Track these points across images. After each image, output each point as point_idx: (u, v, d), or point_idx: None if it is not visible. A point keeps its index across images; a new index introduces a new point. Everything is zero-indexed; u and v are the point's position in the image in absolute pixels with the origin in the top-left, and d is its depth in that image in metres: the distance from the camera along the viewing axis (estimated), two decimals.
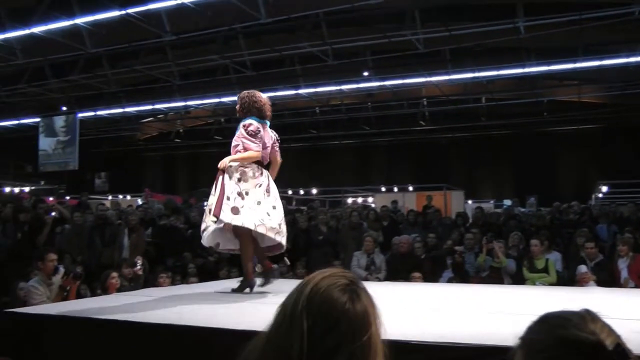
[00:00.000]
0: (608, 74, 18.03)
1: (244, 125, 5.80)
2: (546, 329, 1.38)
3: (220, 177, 5.61)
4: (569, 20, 14.01)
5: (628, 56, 15.82)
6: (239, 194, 5.52)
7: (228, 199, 5.47)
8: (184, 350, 3.73)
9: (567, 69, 17.19)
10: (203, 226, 5.63)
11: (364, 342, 1.47)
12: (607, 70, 17.01)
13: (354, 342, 1.46)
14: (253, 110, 5.90)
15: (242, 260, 5.94)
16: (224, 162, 5.60)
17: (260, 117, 5.92)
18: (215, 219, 5.46)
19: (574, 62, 16.37)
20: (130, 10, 14.04)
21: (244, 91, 6.12)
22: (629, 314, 4.31)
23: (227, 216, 5.41)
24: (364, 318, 1.50)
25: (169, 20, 14.49)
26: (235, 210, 5.44)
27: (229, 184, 5.56)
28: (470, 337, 3.25)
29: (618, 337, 1.35)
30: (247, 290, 5.81)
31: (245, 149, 5.71)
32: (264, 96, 6.10)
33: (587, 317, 1.37)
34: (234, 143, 5.82)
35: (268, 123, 6.02)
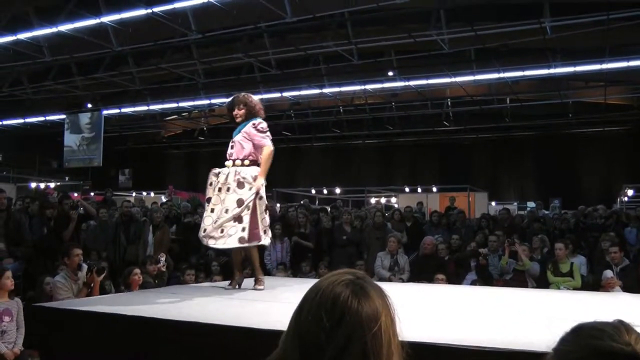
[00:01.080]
0: (634, 75, 17.84)
1: (254, 124, 5.97)
2: (580, 340, 1.37)
3: (254, 196, 5.80)
4: (596, 21, 13.87)
5: None
6: (263, 211, 5.93)
7: (262, 220, 5.87)
8: (207, 349, 3.75)
9: (593, 70, 17.02)
10: (225, 232, 5.77)
11: (374, 333, 1.47)
12: (633, 72, 16.82)
13: (363, 332, 1.46)
14: (260, 112, 6.13)
15: (256, 262, 6.30)
16: (258, 185, 5.82)
17: (263, 118, 6.13)
18: (245, 235, 5.73)
19: (600, 63, 16.20)
20: (156, 9, 14.13)
21: (242, 94, 6.24)
22: None
23: (266, 240, 6.04)
24: (370, 309, 1.50)
25: (194, 18, 14.56)
26: (265, 231, 5.93)
27: (258, 203, 5.84)
28: (494, 341, 3.23)
29: None
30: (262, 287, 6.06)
31: (259, 146, 5.94)
32: None
33: (621, 327, 1.36)
34: (241, 146, 5.97)
35: None
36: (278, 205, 16.32)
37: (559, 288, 8.57)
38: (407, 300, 5.40)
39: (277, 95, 20.66)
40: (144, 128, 28.18)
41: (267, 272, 10.30)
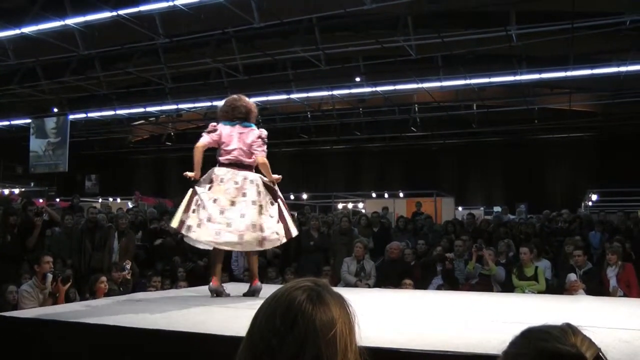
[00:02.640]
0: (599, 83, 18.12)
1: (261, 137, 5.97)
2: (528, 342, 1.39)
3: (276, 189, 5.90)
4: (561, 29, 14.07)
5: (619, 65, 15.92)
6: None
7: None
8: (172, 357, 3.73)
9: (559, 78, 17.26)
10: (268, 233, 5.66)
11: (329, 340, 1.47)
12: (598, 79, 17.09)
13: (317, 339, 1.46)
14: (257, 117, 6.01)
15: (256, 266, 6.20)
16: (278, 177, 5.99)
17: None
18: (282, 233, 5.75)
19: (565, 70, 16.44)
20: (123, 12, 13.97)
21: (243, 97, 6.15)
22: (615, 323, 4.34)
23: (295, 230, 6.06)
24: (326, 316, 1.49)
25: (162, 22, 14.47)
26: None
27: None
28: (458, 345, 3.26)
29: (598, 349, 1.37)
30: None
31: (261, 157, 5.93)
32: None
33: (568, 330, 1.39)
34: (254, 150, 5.92)
35: None
36: None
37: (523, 292, 8.66)
38: (371, 305, 5.43)
39: None
40: (110, 133, 27.92)
41: (234, 279, 10.29)
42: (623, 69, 15.91)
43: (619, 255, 9.14)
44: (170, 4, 13.39)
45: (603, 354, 1.37)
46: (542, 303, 6.35)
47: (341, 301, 1.57)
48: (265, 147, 6.04)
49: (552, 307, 5.83)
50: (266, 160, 5.93)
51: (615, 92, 19.01)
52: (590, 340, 1.38)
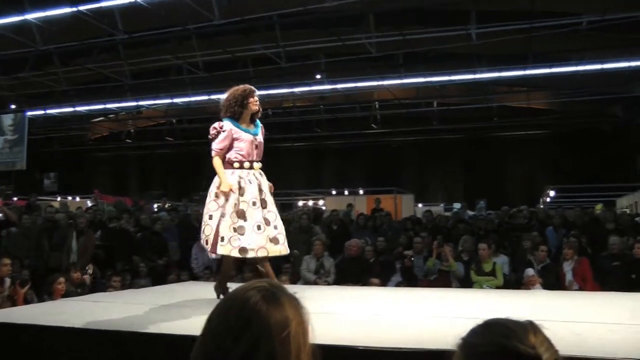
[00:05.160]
0: (557, 81, 18.42)
1: (262, 131, 5.90)
2: (489, 335, 1.41)
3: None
4: (520, 29, 14.27)
5: (576, 64, 16.24)
6: None
7: None
8: (131, 357, 3.72)
9: (517, 76, 17.50)
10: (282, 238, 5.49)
11: (283, 339, 1.48)
12: (556, 78, 17.39)
13: (271, 338, 1.47)
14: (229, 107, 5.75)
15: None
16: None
17: None
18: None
19: (524, 69, 16.69)
20: (82, 7, 13.79)
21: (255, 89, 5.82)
22: (568, 316, 4.44)
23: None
24: (280, 316, 1.51)
25: (122, 18, 14.30)
26: None
27: None
28: (410, 341, 3.30)
29: (556, 352, 1.40)
30: None
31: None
32: None
33: (529, 329, 1.41)
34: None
35: None
36: None
37: (482, 287, 8.78)
38: (329, 303, 5.46)
39: (205, 97, 20.46)
40: (70, 130, 27.53)
41: (194, 277, 10.27)
42: (580, 68, 16.22)
43: (575, 250, 9.33)
44: None
45: (560, 357, 1.40)
46: (496, 298, 6.46)
47: (295, 302, 1.59)
48: (213, 144, 5.65)
49: (506, 302, 5.92)
50: (214, 161, 5.60)
51: (572, 90, 19.32)
52: (549, 342, 1.41)
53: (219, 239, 5.23)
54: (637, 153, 21.54)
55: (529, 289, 8.43)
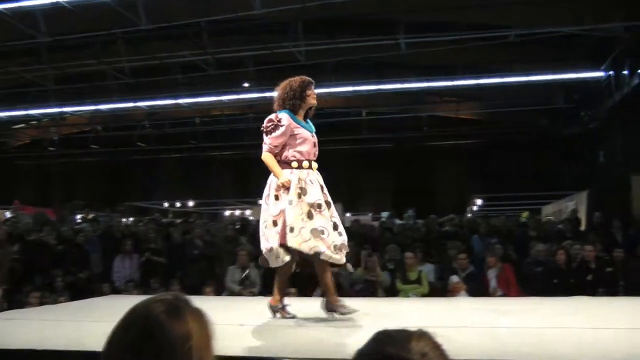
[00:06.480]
0: (486, 92, 18.73)
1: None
2: (375, 344, 1.42)
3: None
4: (449, 40, 14.45)
5: (503, 76, 16.60)
6: None
7: None
8: None
9: (446, 86, 17.76)
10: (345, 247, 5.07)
11: (185, 352, 1.49)
12: (484, 89, 17.71)
13: (173, 351, 1.48)
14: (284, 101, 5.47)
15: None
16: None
17: None
18: None
19: (452, 80, 16.93)
20: (1, 7, 13.30)
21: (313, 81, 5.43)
22: (489, 322, 4.43)
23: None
24: (182, 329, 1.51)
25: (44, 20, 13.87)
26: None
27: None
28: (316, 351, 3.22)
29: (442, 356, 1.39)
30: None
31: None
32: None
33: (413, 337, 1.40)
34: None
35: None
36: (131, 219, 15.84)
37: (407, 296, 8.76)
38: (248, 314, 5.35)
39: (131, 104, 20.03)
40: None
41: (116, 290, 9.99)
42: (507, 79, 16.57)
43: (498, 257, 9.48)
44: (54, 0, 12.85)
45: None
46: (421, 305, 6.46)
47: (199, 315, 1.60)
48: (266, 138, 5.37)
49: (419, 309, 5.95)
50: (265, 156, 5.33)
51: (501, 101, 19.70)
52: (438, 349, 1.40)
53: (288, 229, 4.76)
54: (563, 162, 22.05)
55: (454, 296, 8.49)
